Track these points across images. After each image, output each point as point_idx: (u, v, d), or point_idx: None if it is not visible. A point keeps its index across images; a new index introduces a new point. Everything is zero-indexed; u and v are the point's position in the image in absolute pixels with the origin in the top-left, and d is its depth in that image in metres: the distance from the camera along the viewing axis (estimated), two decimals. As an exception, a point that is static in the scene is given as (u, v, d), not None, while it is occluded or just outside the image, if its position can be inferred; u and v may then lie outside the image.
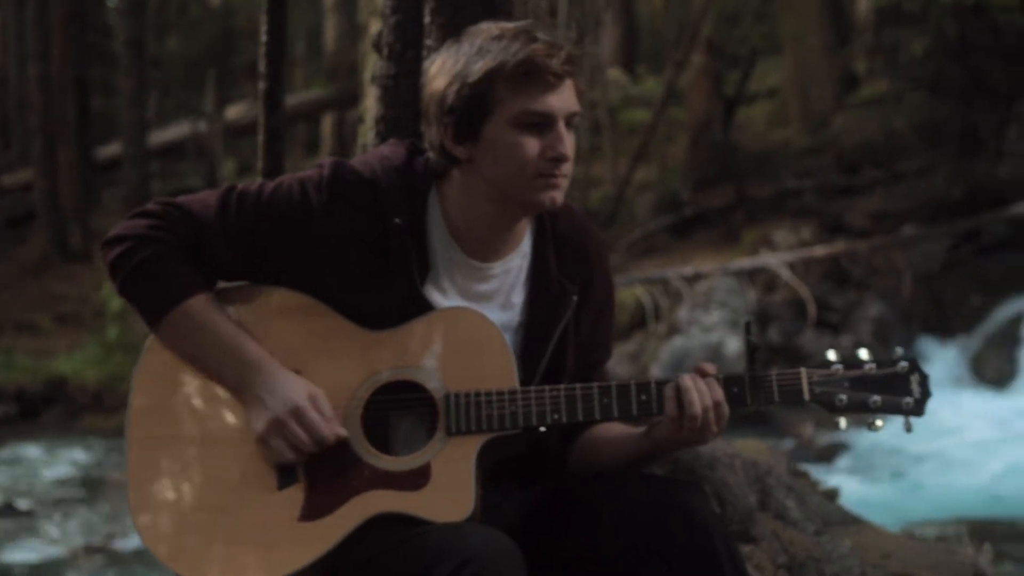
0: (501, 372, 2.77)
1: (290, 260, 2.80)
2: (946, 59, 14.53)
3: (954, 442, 11.05)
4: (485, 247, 2.85)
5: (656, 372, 12.64)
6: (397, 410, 2.80)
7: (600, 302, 2.99)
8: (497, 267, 2.87)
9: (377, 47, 3.79)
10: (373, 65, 3.93)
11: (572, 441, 2.96)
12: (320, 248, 2.78)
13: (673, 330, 13.62)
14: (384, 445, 2.77)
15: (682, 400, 2.72)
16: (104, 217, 21.83)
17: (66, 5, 22.58)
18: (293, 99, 21.77)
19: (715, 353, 12.88)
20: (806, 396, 2.76)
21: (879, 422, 2.78)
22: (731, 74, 18.65)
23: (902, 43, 15.39)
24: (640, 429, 2.86)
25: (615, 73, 22.47)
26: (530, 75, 2.67)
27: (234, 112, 23.54)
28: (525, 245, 2.91)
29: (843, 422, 2.77)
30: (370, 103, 3.90)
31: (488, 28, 2.74)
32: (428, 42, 3.60)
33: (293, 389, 2.72)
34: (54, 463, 13.14)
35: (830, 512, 4.45)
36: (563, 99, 2.71)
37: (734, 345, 12.98)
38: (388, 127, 3.70)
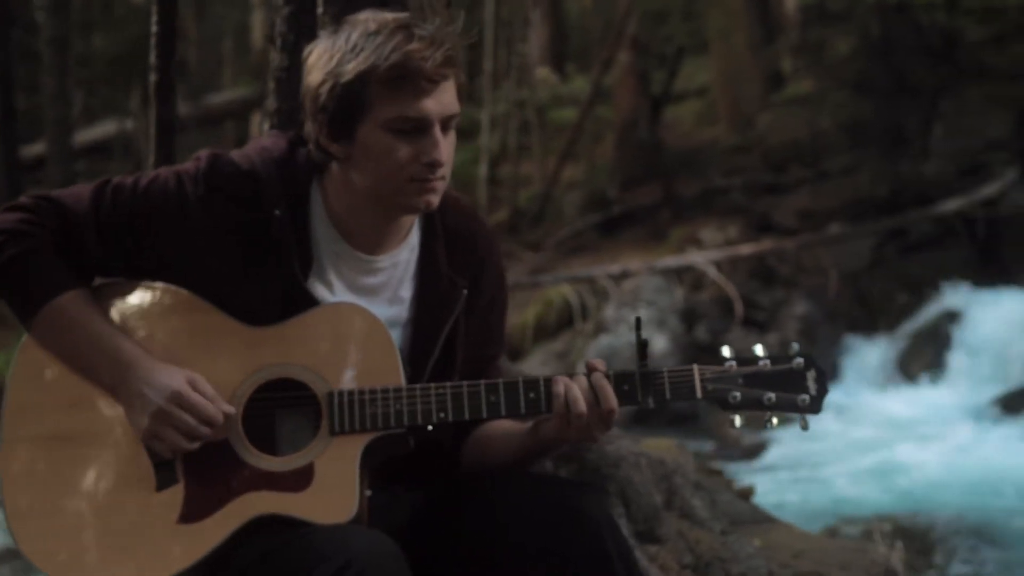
0: (386, 369, 2.70)
1: (167, 255, 2.71)
2: (870, 58, 14.61)
3: (880, 439, 11.08)
4: (370, 240, 2.77)
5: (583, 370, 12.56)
6: (280, 409, 2.71)
7: (491, 296, 2.93)
8: (384, 260, 2.80)
9: (271, 39, 3.70)
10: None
11: (464, 439, 2.90)
12: (197, 242, 2.70)
13: (600, 328, 13.57)
14: (269, 445, 2.69)
15: (568, 398, 2.65)
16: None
17: (-13, 2, 22.22)
18: (220, 98, 21.59)
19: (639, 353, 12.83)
20: (698, 393, 2.70)
21: (775, 420, 2.72)
22: (658, 72, 18.65)
23: (827, 42, 15.46)
24: (528, 425, 2.79)
25: (543, 72, 22.40)
26: (404, 79, 2.59)
27: (161, 110, 23.24)
28: (413, 238, 2.84)
29: (738, 420, 2.71)
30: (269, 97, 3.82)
31: (366, 21, 2.65)
32: (321, 33, 3.51)
33: (170, 377, 2.63)
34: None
35: (741, 511, 4.41)
36: (439, 102, 2.63)
37: (662, 343, 12.96)
38: (283, 120, 3.62)
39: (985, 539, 8.11)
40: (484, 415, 2.69)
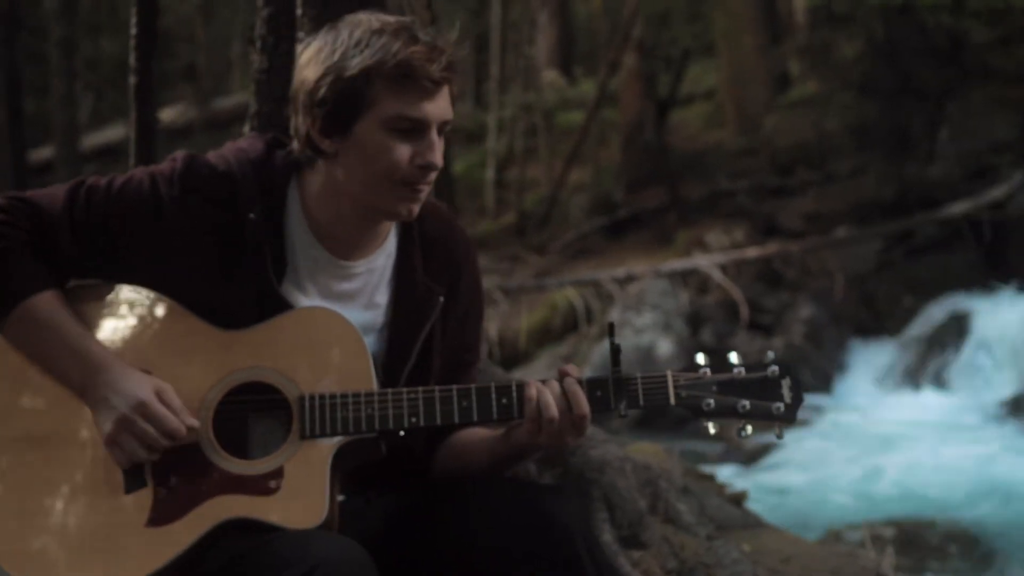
0: (358, 374, 2.68)
1: (141, 256, 2.70)
2: (876, 60, 14.55)
3: (884, 443, 11.03)
4: (347, 244, 2.76)
5: (588, 374, 12.54)
6: (252, 412, 2.70)
7: (467, 303, 2.92)
8: (360, 266, 2.79)
9: (251, 41, 3.68)
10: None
11: (437, 445, 2.89)
12: (171, 244, 2.69)
13: (605, 332, 13.53)
14: (241, 448, 2.68)
15: (540, 403, 2.62)
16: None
17: (-3, 5, 22.27)
18: (228, 101, 21.64)
19: (647, 355, 12.80)
20: (672, 400, 2.69)
21: (750, 428, 2.70)
22: (664, 76, 18.61)
23: (833, 44, 15.40)
24: (501, 431, 2.77)
25: (551, 75, 22.40)
26: (409, 78, 2.59)
27: (168, 114, 23.29)
28: (390, 244, 2.83)
29: (711, 427, 2.69)
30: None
31: (368, 20, 2.64)
32: (300, 35, 3.51)
33: (137, 385, 2.62)
34: None
35: (731, 516, 4.38)
36: (439, 106, 2.64)
37: (666, 347, 12.92)
38: (262, 122, 3.60)
39: (990, 545, 8.06)
40: (456, 420, 2.67)
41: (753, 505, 5.45)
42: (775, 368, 2.71)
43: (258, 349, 2.68)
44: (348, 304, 2.77)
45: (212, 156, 2.75)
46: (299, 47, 2.73)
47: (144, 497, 2.64)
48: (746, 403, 2.68)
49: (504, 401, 2.67)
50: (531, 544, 2.60)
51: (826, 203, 15.65)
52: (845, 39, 15.29)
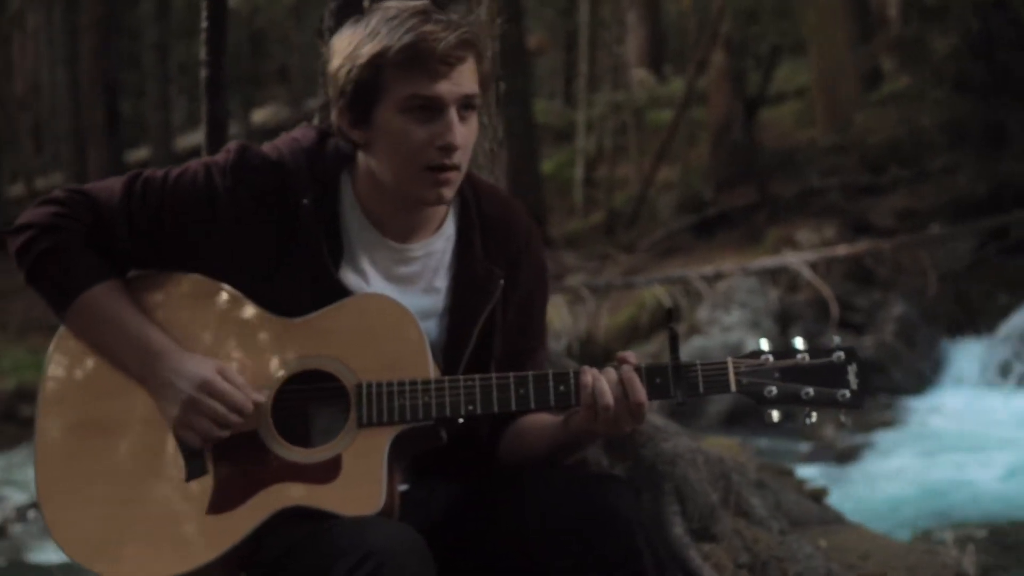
0: (415, 361, 2.66)
1: (198, 246, 2.72)
2: (970, 55, 14.30)
3: (978, 443, 10.84)
4: (402, 228, 2.75)
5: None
6: (310, 400, 2.70)
7: (529, 286, 2.88)
8: (418, 249, 2.77)
9: (320, 34, 3.68)
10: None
11: (502, 431, 2.86)
12: (227, 233, 2.70)
13: (693, 330, 13.44)
14: (301, 436, 2.67)
15: (595, 390, 2.60)
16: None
17: (95, 9, 22.64)
18: (319, 102, 21.71)
19: (735, 353, 12.70)
20: (732, 387, 2.63)
21: (814, 415, 2.62)
22: (754, 73, 18.46)
23: (926, 38, 15.17)
24: (561, 418, 2.74)
25: (641, 74, 22.31)
26: (415, 60, 2.58)
27: (261, 115, 23.57)
28: (449, 227, 2.81)
29: (775, 415, 2.62)
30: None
31: (387, 8, 2.65)
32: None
33: (199, 365, 2.64)
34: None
35: (808, 512, 4.31)
36: (454, 84, 2.60)
37: (754, 345, 12.79)
38: (330, 116, 3.57)
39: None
40: (513, 408, 2.64)
41: (843, 505, 5.37)
42: (840, 353, 2.63)
43: (316, 337, 2.68)
44: (407, 288, 2.76)
45: (266, 146, 2.76)
46: (332, 39, 2.74)
47: (205, 484, 2.65)
48: (810, 390, 2.61)
49: (562, 388, 2.63)
50: (590, 534, 2.57)
51: (919, 200, 15.44)
52: (938, 33, 15.04)
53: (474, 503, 2.75)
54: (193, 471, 2.66)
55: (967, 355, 13.09)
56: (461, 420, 2.66)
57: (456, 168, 2.64)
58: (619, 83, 21.23)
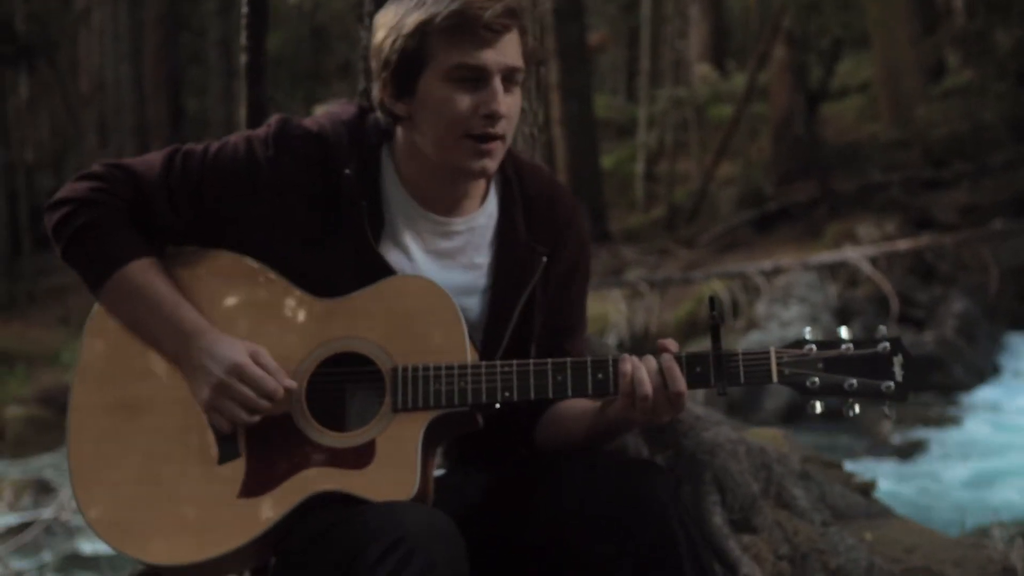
0: (453, 345, 2.64)
1: (237, 221, 2.70)
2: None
3: (1039, 441, 10.75)
4: (444, 203, 2.74)
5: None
6: (345, 383, 2.68)
7: (571, 265, 2.86)
8: (460, 223, 2.76)
9: (360, 18, 3.68)
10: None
11: (539, 418, 2.84)
12: (268, 205, 2.68)
13: (752, 325, 13.38)
14: (337, 419, 2.66)
15: (635, 378, 2.58)
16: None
17: (159, 6, 22.84)
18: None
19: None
20: (774, 378, 2.58)
21: (857, 407, 2.58)
22: (816, 68, 18.32)
23: (990, 32, 14.99)
24: (598, 404, 2.72)
25: (703, 69, 22.19)
26: (462, 27, 2.56)
27: (324, 110, 23.61)
28: (491, 204, 2.80)
29: (818, 406, 2.57)
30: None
31: None
32: None
33: (232, 348, 2.62)
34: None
35: (854, 505, 4.26)
36: (500, 53, 2.59)
37: (799, 335, 12.72)
38: (370, 100, 3.58)
39: None
40: (550, 395, 2.62)
41: (894, 499, 5.31)
42: (886, 344, 2.57)
43: (353, 319, 2.66)
44: (448, 264, 2.75)
45: (307, 120, 2.75)
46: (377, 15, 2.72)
47: (237, 468, 2.63)
48: (853, 381, 2.56)
49: (600, 376, 2.60)
50: (626, 521, 2.54)
51: (981, 195, 15.28)
52: (1003, 27, 14.87)
53: (510, 489, 2.73)
54: (226, 454, 2.64)
55: (1029, 351, 12.99)
56: (498, 406, 2.64)
57: (500, 138, 2.63)
58: (681, 78, 21.15)
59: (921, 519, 5.16)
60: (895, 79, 17.98)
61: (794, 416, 10.91)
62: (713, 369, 2.60)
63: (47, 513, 9.73)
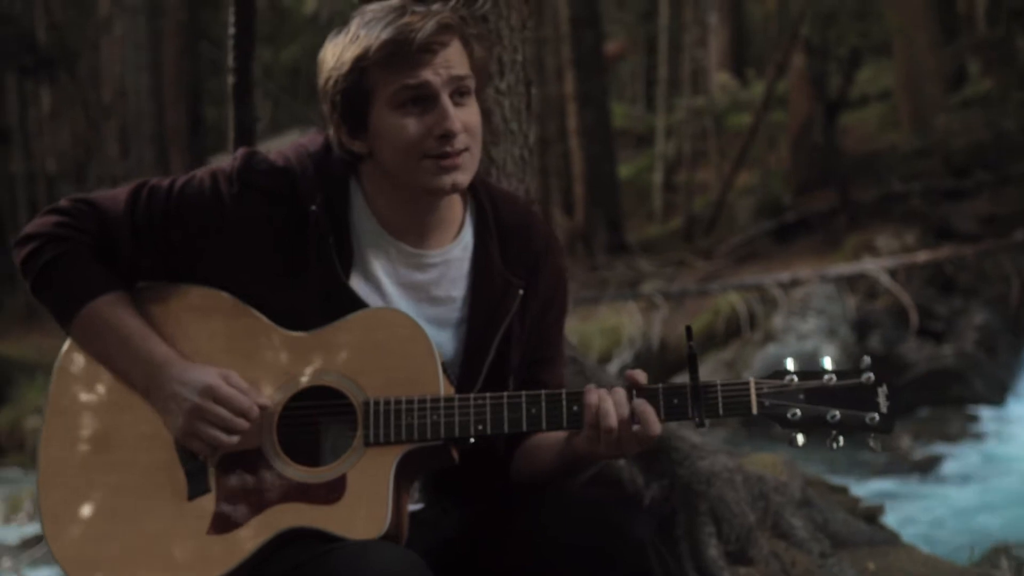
0: (425, 378, 2.58)
1: (204, 256, 2.66)
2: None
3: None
4: (417, 233, 2.69)
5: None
6: (316, 417, 2.63)
7: (548, 296, 2.80)
8: (435, 256, 2.70)
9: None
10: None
11: (515, 450, 2.77)
12: (234, 242, 2.64)
13: (769, 338, 13.27)
14: (308, 454, 2.60)
15: (599, 411, 2.51)
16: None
17: (178, 14, 22.86)
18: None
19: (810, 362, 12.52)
20: (754, 409, 2.52)
21: (841, 439, 2.51)
22: (835, 76, 18.21)
23: (1012, 40, 14.87)
24: (565, 436, 2.64)
25: (722, 77, 22.13)
26: (396, 55, 2.52)
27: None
28: (466, 236, 2.74)
29: (800, 438, 2.51)
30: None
31: (364, 12, 2.60)
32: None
33: (203, 372, 2.59)
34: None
35: (857, 532, 4.16)
36: (442, 68, 2.55)
37: (830, 353, 12.58)
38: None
39: None
40: (524, 428, 2.56)
41: (911, 520, 5.20)
42: (870, 375, 2.52)
43: (324, 352, 2.61)
44: (421, 296, 2.70)
45: (273, 153, 2.71)
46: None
47: (206, 503, 2.59)
48: (836, 413, 2.50)
49: (575, 408, 2.54)
50: (601, 557, 2.49)
51: (1003, 205, 15.15)
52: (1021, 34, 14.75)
53: (487, 523, 2.67)
54: (195, 489, 2.60)
55: (1052, 365, 12.84)
56: (472, 440, 2.57)
57: (462, 152, 2.58)
58: (700, 87, 21.06)
59: (931, 544, 5.06)
60: (915, 87, 17.85)
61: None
62: (691, 401, 2.53)
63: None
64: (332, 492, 2.53)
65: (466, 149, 2.58)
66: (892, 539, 4.40)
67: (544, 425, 2.55)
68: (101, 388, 2.69)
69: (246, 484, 2.58)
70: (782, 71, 17.34)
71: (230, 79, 3.76)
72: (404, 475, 2.57)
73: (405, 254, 2.68)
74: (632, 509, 2.60)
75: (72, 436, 2.68)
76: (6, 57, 22.61)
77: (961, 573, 4.06)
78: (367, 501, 2.52)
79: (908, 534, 4.97)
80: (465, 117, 2.57)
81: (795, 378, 2.54)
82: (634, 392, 2.54)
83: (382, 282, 2.68)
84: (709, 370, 13.24)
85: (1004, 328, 13.25)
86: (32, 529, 10.01)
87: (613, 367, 13.07)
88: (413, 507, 2.70)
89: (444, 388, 2.59)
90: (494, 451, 2.72)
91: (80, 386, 2.70)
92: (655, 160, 20.99)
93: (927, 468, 10.85)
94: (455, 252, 2.72)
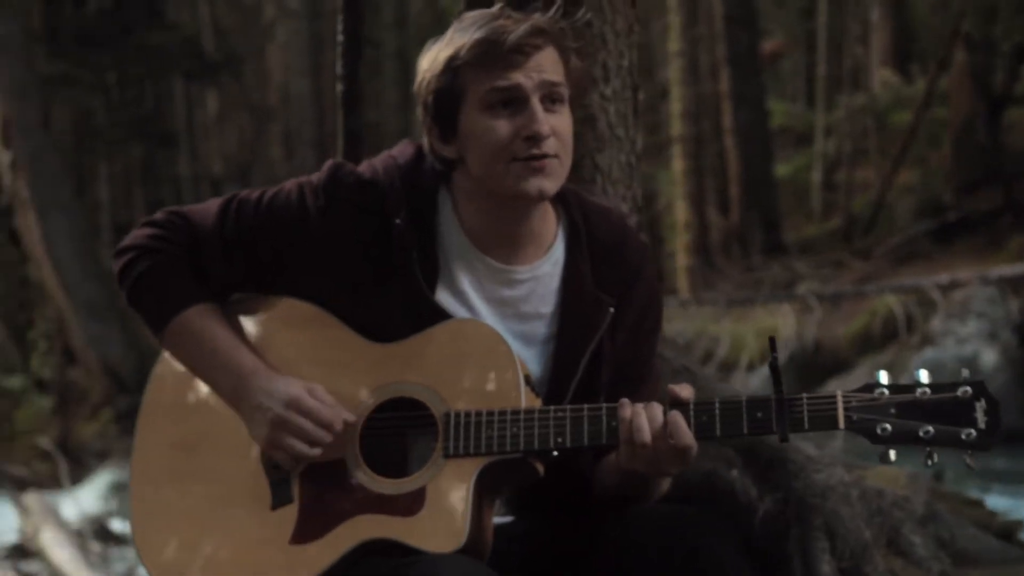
0: (507, 390, 2.55)
1: (291, 268, 2.68)
2: None
3: None
4: (507, 248, 2.65)
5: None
6: (399, 429, 2.61)
7: (640, 315, 2.74)
8: (524, 272, 2.67)
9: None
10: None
11: (595, 466, 2.72)
12: (321, 254, 2.65)
13: (926, 341, 12.94)
14: (390, 465, 2.59)
15: (633, 426, 2.46)
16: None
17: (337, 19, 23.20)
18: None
19: (970, 366, 12.10)
20: (841, 423, 2.42)
21: (936, 456, 2.39)
22: (1000, 72, 17.68)
23: None
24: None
25: (885, 74, 21.66)
26: (488, 54, 2.51)
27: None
28: (557, 251, 2.70)
29: (892, 454, 2.40)
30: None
31: (463, 18, 2.61)
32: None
33: (288, 384, 2.60)
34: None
35: (986, 549, 3.98)
36: (533, 72, 2.52)
37: (991, 357, 12.25)
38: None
39: None
40: (604, 441, 2.50)
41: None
42: (967, 388, 2.40)
43: (407, 363, 2.60)
44: (509, 312, 2.66)
45: (363, 165, 2.71)
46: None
47: (290, 513, 2.59)
48: (929, 428, 2.38)
49: (613, 424, 2.50)
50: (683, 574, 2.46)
51: None
52: None
53: (571, 539, 2.65)
54: (279, 499, 2.61)
55: None
56: (556, 453, 2.52)
57: (552, 157, 2.54)
58: (861, 84, 20.65)
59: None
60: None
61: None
62: (775, 414, 2.45)
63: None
64: (412, 504, 2.52)
65: (555, 155, 2.55)
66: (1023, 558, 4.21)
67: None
68: (191, 397, 2.73)
69: (328, 495, 2.58)
70: (944, 67, 16.90)
71: (339, 87, 3.76)
72: (485, 488, 2.54)
73: (492, 269, 2.66)
74: (717, 524, 2.56)
75: (162, 443, 2.72)
76: (173, 63, 23.20)
77: (1095, 594, 3.87)
78: (445, 514, 2.49)
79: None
80: (556, 123, 2.54)
81: (886, 391, 2.44)
82: (667, 406, 2.48)
83: (469, 296, 2.66)
84: (865, 374, 12.96)
85: None
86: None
87: (766, 370, 12.87)
88: (501, 520, 2.67)
89: (527, 401, 2.55)
90: (578, 466, 2.68)
91: (172, 395, 2.75)
92: (814, 159, 20.65)
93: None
94: (545, 268, 2.68)
